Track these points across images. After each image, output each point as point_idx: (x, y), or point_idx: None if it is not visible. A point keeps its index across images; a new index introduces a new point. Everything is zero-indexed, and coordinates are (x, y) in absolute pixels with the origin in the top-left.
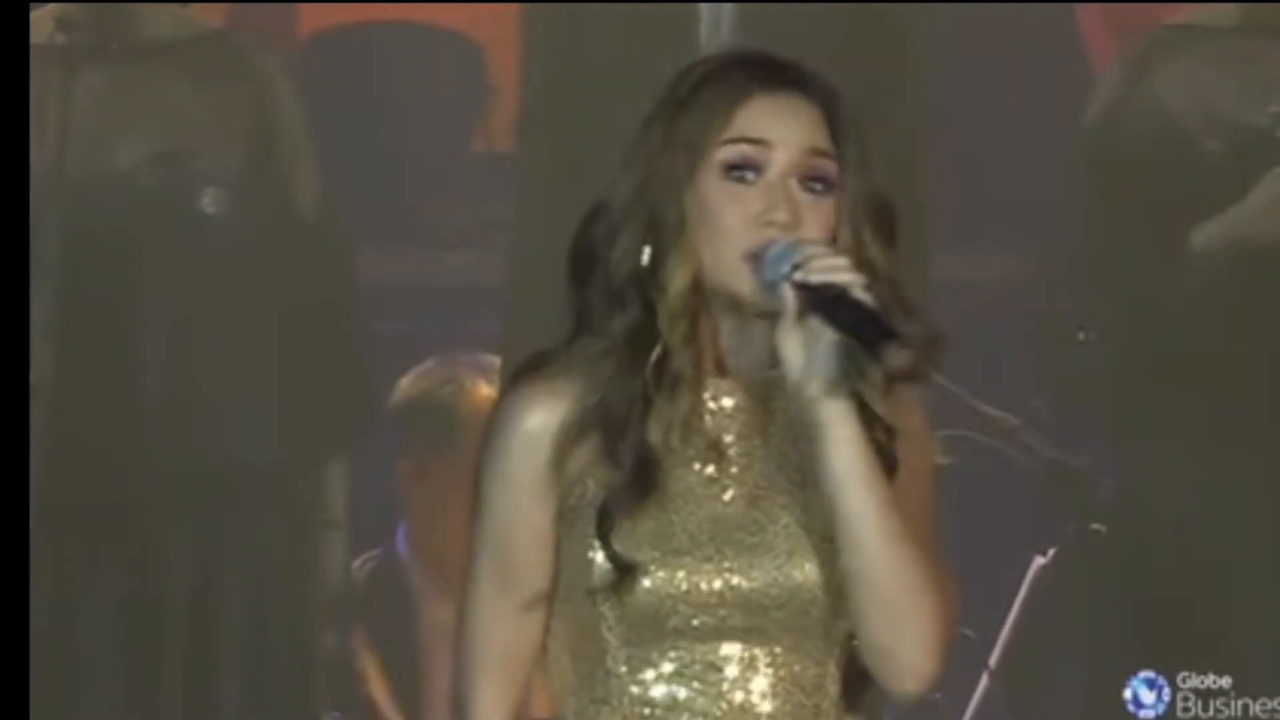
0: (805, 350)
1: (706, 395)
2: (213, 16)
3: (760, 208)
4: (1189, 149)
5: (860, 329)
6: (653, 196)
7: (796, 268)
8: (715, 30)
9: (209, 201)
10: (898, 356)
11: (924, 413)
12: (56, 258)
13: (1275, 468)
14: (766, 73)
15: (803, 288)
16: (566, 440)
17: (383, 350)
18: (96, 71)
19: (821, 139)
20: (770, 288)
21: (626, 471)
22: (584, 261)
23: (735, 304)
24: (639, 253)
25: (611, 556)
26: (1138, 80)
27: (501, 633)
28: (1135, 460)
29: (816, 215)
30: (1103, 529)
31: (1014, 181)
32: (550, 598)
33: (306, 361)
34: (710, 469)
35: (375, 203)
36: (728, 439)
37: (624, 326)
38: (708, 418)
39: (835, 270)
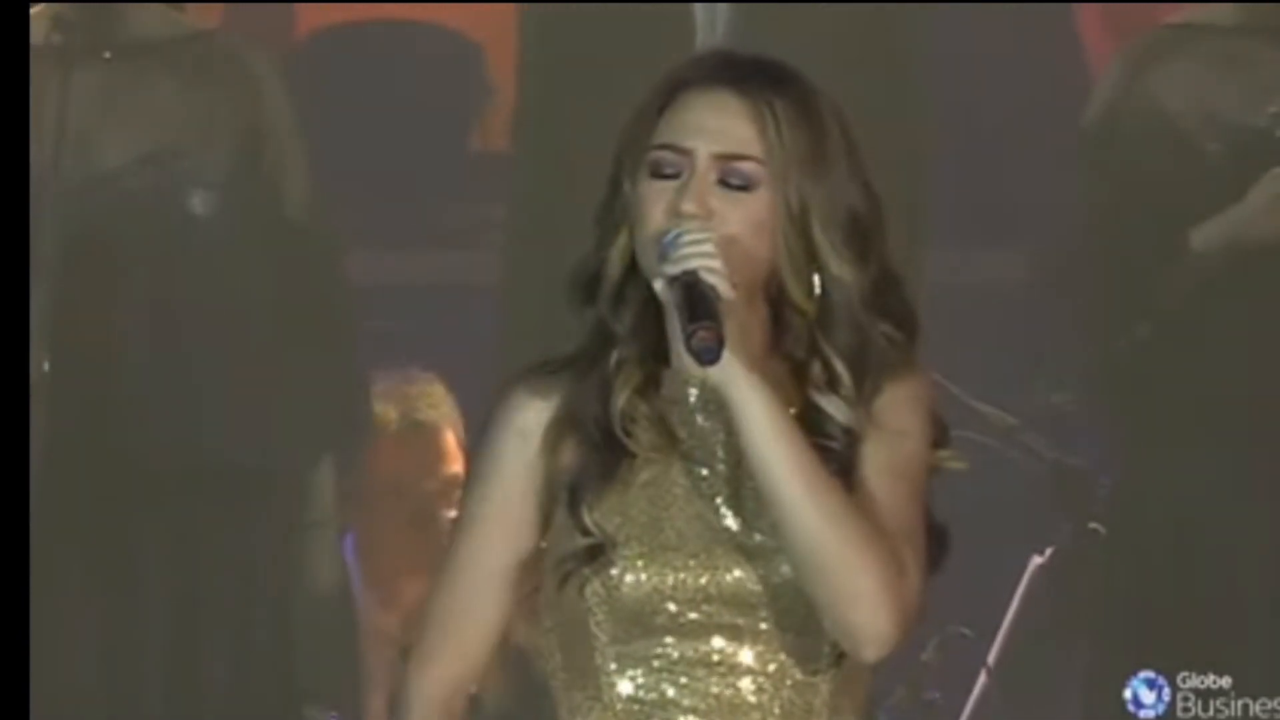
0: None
1: (689, 392)
2: (210, 16)
3: (672, 200)
4: (1188, 149)
5: (680, 306)
6: (609, 197)
7: (664, 260)
8: (710, 31)
9: (198, 202)
10: (696, 332)
11: (921, 383)
12: (53, 257)
13: (1274, 467)
14: (702, 71)
15: (670, 280)
16: (552, 437)
17: (379, 350)
18: (89, 72)
19: (743, 142)
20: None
21: (592, 447)
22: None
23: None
24: (595, 258)
25: (583, 530)
26: (1136, 80)
27: (457, 604)
28: (1133, 460)
29: (734, 209)
30: (1101, 529)
31: (1013, 182)
32: (516, 584)
33: (296, 361)
34: (698, 468)
35: (373, 202)
36: (715, 437)
37: (590, 322)
38: (697, 418)
39: (689, 258)
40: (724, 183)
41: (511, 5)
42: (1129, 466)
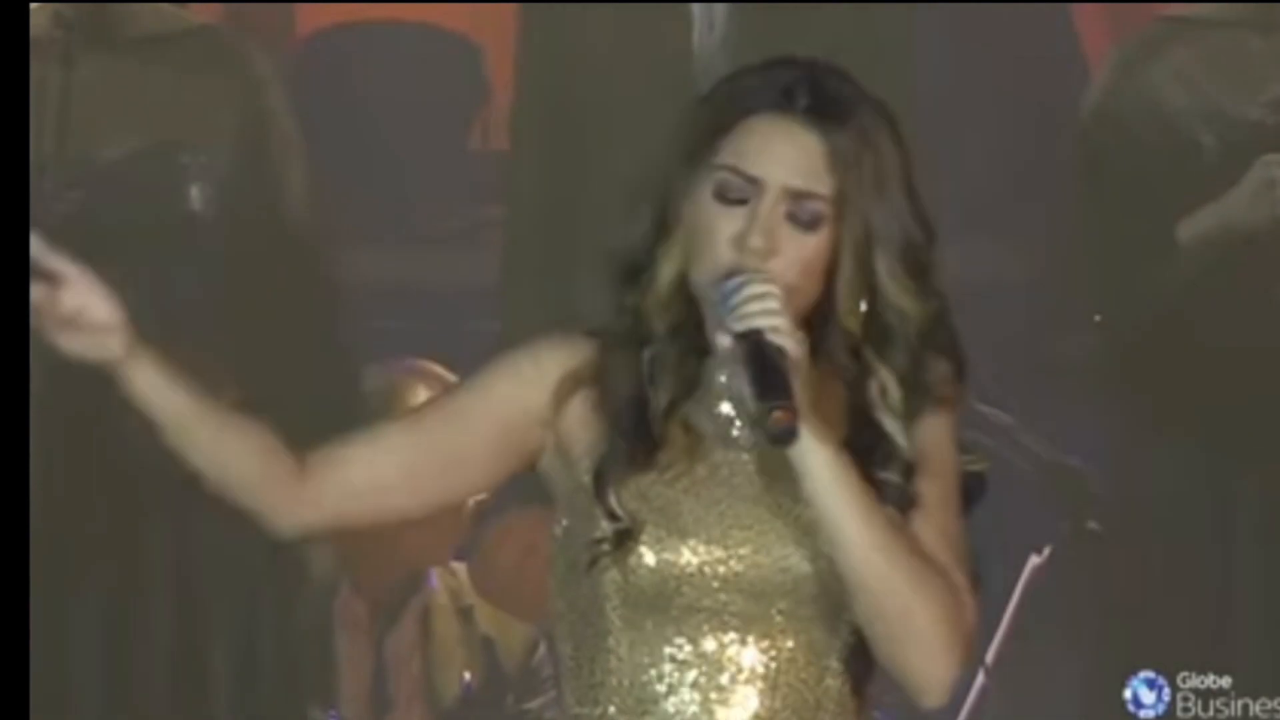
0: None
1: (717, 380)
2: (212, 15)
3: (738, 230)
4: (1183, 141)
5: (752, 373)
6: (660, 196)
7: (728, 310)
8: (708, 31)
9: (197, 196)
10: (773, 411)
11: (948, 420)
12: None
13: (1271, 462)
14: (770, 98)
15: (736, 337)
16: (565, 390)
17: (378, 348)
18: (88, 67)
19: (812, 178)
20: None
21: (620, 432)
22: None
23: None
24: (640, 248)
25: (610, 514)
26: (1132, 74)
27: (379, 445)
28: (1130, 458)
29: (798, 248)
30: (1098, 527)
31: (1008, 177)
32: (438, 484)
33: (294, 359)
34: (720, 456)
35: (372, 201)
36: (739, 427)
37: (623, 315)
38: (720, 405)
39: (754, 316)
40: (793, 218)
41: (510, 5)
42: (1125, 465)
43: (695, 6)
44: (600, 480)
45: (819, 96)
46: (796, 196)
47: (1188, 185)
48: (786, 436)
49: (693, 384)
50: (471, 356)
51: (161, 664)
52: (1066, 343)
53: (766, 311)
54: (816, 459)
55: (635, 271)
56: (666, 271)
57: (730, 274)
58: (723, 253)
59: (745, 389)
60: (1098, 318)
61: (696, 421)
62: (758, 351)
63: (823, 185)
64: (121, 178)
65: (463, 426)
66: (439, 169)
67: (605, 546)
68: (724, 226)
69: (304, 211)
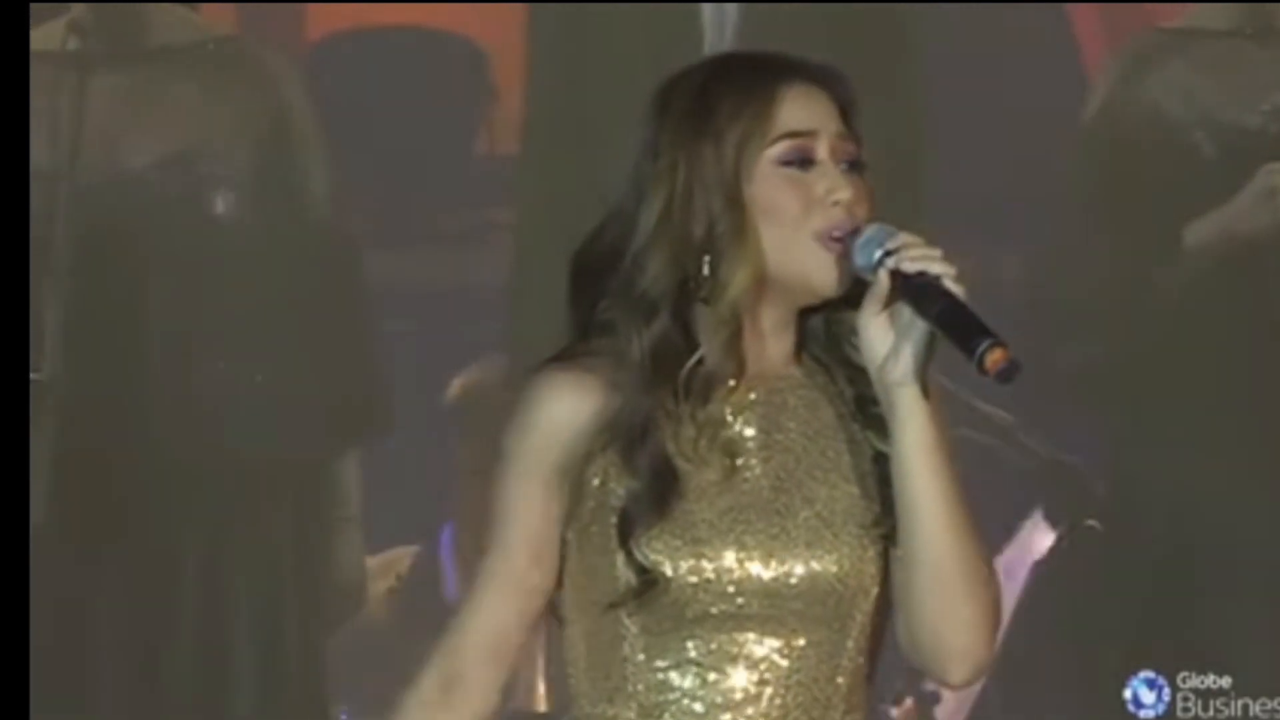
0: (889, 336)
1: (737, 395)
2: (224, 20)
3: (822, 189)
4: (1183, 149)
5: (949, 321)
6: (695, 208)
7: (889, 254)
8: (719, 33)
9: (220, 203)
10: (988, 352)
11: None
12: (70, 259)
13: (1272, 463)
14: (784, 67)
15: (894, 274)
16: (590, 436)
17: (387, 350)
18: (109, 75)
19: (843, 123)
20: (860, 272)
21: (646, 482)
22: (591, 276)
23: (804, 290)
24: (676, 266)
25: (635, 566)
26: (1132, 82)
27: (498, 615)
28: (1129, 457)
29: (862, 194)
30: (1098, 526)
31: (1008, 181)
32: (547, 582)
33: (316, 359)
34: (730, 462)
35: (381, 204)
36: (748, 432)
37: (653, 339)
38: (728, 413)
39: (928, 260)
40: (851, 165)
41: (520, 8)
42: (1125, 464)
43: (706, 9)
44: (626, 532)
45: (818, 64)
46: (842, 138)
47: (1187, 192)
48: (1011, 372)
49: (725, 402)
50: (477, 360)
51: (186, 661)
52: (1067, 346)
53: (933, 258)
54: (920, 414)
55: (664, 300)
56: (743, 279)
57: (833, 232)
58: (813, 217)
59: (919, 327)
60: None
61: (712, 433)
62: (937, 293)
63: (852, 131)
64: (144, 186)
65: (519, 555)
66: (446, 173)
67: (630, 591)
68: (801, 193)
69: (327, 216)
